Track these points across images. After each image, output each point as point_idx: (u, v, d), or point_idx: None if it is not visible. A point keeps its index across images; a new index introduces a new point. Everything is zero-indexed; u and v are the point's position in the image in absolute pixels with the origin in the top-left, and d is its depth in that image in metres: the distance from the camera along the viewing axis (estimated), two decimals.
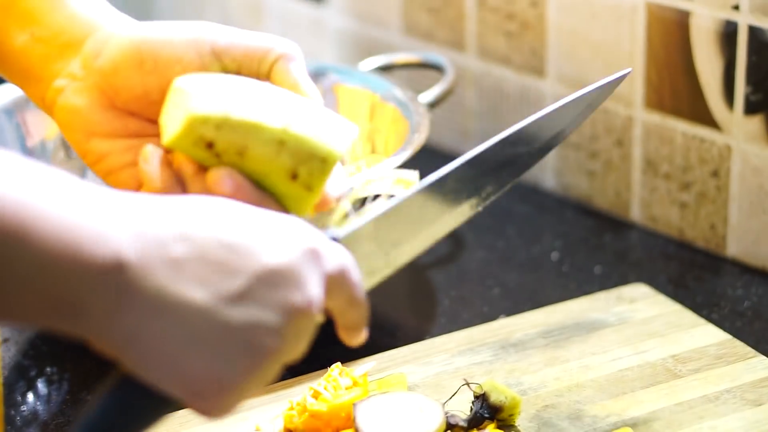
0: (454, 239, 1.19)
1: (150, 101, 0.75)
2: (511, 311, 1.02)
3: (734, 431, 0.84)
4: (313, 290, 0.63)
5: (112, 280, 0.58)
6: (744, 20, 1.06)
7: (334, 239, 0.69)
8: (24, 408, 0.93)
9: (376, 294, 1.13)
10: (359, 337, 0.70)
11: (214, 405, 0.62)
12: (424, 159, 0.98)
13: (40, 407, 0.94)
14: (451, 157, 1.14)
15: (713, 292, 1.07)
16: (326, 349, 0.99)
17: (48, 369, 0.99)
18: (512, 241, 1.18)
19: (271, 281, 0.61)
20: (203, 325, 0.60)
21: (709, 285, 1.08)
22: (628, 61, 1.16)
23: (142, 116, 0.76)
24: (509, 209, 1.24)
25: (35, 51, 0.76)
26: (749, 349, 0.93)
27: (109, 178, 0.76)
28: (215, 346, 0.61)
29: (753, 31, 1.05)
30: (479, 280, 1.11)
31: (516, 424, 0.85)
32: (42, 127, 1.11)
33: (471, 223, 1.23)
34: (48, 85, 0.76)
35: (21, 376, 0.98)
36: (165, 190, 0.73)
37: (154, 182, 0.72)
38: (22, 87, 0.78)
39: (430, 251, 1.18)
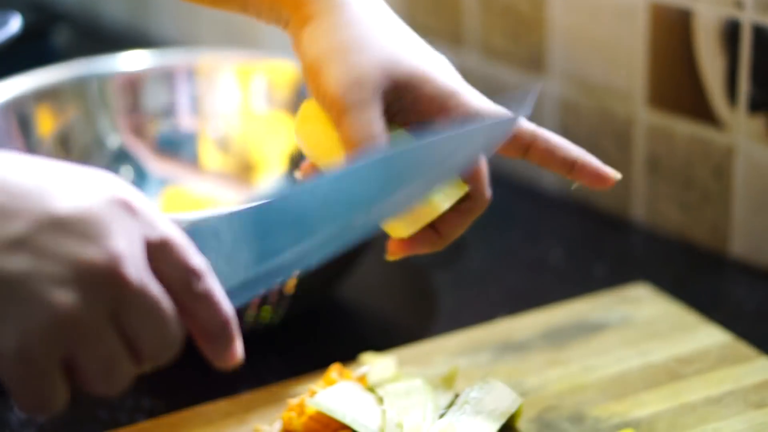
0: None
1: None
2: (511, 312, 1.01)
3: None
4: (118, 246, 0.54)
5: None
6: (747, 18, 1.05)
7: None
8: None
9: (376, 294, 1.12)
10: (228, 355, 0.58)
11: None
12: None
13: None
14: None
15: (716, 293, 1.06)
16: (325, 349, 0.99)
17: None
18: (513, 241, 1.17)
19: (56, 229, 0.54)
20: None
21: (712, 285, 1.07)
22: (630, 58, 1.15)
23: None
24: (510, 209, 1.23)
25: None
26: (753, 350, 0.92)
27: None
28: None
29: (756, 29, 1.04)
30: (479, 280, 1.10)
31: (517, 426, 0.84)
32: (39, 124, 1.10)
33: (471, 223, 1.23)
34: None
35: None
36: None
37: None
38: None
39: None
